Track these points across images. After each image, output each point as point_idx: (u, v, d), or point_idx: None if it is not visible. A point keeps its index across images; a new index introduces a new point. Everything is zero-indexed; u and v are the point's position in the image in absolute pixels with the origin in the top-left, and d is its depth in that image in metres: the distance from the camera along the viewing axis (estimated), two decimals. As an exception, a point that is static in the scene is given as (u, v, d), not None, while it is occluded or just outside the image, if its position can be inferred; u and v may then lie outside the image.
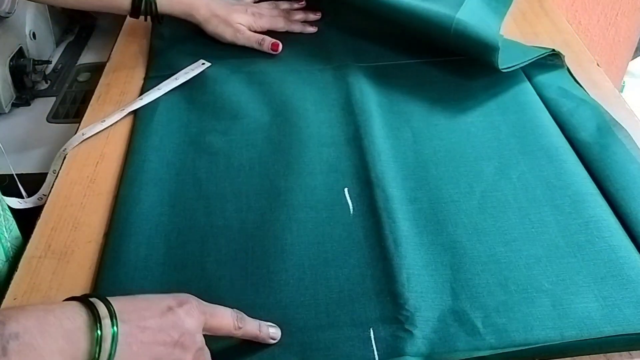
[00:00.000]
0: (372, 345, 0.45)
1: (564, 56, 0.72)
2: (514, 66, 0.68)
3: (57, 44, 0.88)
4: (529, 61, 0.70)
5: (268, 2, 0.84)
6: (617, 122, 0.63)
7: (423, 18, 0.72)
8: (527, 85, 0.70)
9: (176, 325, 0.40)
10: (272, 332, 0.46)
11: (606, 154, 0.60)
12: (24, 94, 0.77)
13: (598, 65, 0.74)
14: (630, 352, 0.45)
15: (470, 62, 0.72)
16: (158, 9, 0.75)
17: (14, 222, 0.55)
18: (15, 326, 0.34)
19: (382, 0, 0.74)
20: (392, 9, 0.74)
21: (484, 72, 0.70)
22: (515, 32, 0.80)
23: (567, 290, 0.48)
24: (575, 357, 0.45)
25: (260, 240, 0.54)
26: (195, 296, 0.43)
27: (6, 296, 0.51)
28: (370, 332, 0.46)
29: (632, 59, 1.58)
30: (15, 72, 0.75)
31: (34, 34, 0.79)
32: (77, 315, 0.36)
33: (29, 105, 0.77)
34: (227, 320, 0.43)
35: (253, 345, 0.46)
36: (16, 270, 0.53)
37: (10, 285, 0.52)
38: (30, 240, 0.56)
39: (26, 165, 0.67)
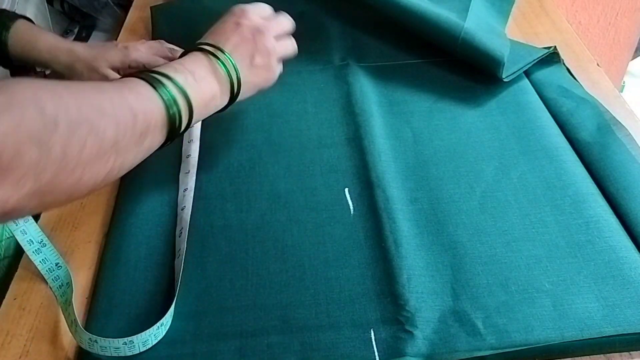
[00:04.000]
0: (372, 346, 0.45)
1: (558, 54, 0.72)
2: (515, 72, 0.69)
3: (57, 44, 0.88)
4: (530, 64, 0.70)
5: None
6: (617, 120, 0.63)
7: (431, 23, 0.72)
8: (527, 84, 0.70)
9: (244, 24, 0.54)
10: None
11: (606, 153, 0.59)
12: (24, 94, 0.77)
13: (598, 65, 0.74)
14: (631, 352, 0.45)
15: (471, 63, 0.72)
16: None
17: None
18: (186, 68, 0.48)
19: (390, 2, 0.74)
20: (400, 11, 0.74)
21: (485, 73, 0.70)
22: (515, 32, 0.80)
23: (568, 290, 0.48)
24: (575, 358, 0.45)
25: (261, 241, 0.54)
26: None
27: (6, 296, 0.51)
28: (370, 333, 0.46)
29: (632, 59, 1.58)
30: (15, 72, 0.75)
31: (34, 34, 0.79)
32: (204, 55, 0.51)
33: (29, 105, 0.77)
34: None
35: (253, 345, 0.46)
36: (16, 270, 0.53)
37: (10, 285, 0.52)
38: (30, 241, 0.56)
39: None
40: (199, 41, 0.53)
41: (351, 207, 0.56)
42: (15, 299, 0.51)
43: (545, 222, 0.53)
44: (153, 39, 0.81)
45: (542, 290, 0.48)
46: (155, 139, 0.45)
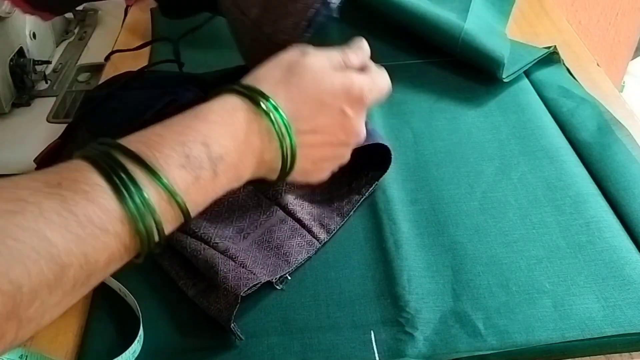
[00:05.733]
0: (373, 347, 0.45)
1: (558, 54, 0.72)
2: (515, 72, 0.69)
3: (57, 44, 0.88)
4: (530, 64, 0.70)
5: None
6: (617, 120, 0.63)
7: (431, 24, 0.72)
8: (528, 85, 0.70)
9: (345, 127, 0.41)
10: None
11: (607, 154, 0.59)
12: (24, 94, 0.77)
13: (598, 65, 0.74)
14: (631, 353, 0.45)
15: (471, 63, 0.72)
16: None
17: None
18: (218, 148, 0.35)
19: (390, 3, 0.74)
20: (400, 12, 0.74)
21: (485, 73, 0.70)
22: (515, 32, 0.80)
23: (569, 291, 0.48)
24: (576, 358, 0.45)
25: (261, 241, 0.53)
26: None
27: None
28: (371, 334, 0.46)
29: (632, 59, 1.58)
30: (15, 72, 0.75)
31: (34, 34, 0.79)
32: (264, 130, 0.37)
33: (29, 105, 0.77)
34: (383, 93, 0.45)
35: (254, 345, 0.46)
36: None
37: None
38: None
39: (26, 165, 0.67)
40: (253, 83, 0.39)
41: (351, 208, 0.56)
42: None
43: (545, 223, 0.53)
44: (153, 40, 0.81)
45: (542, 291, 0.48)
46: (109, 271, 0.31)
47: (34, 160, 0.63)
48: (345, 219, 0.55)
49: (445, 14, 0.72)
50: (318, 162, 0.41)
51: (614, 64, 1.51)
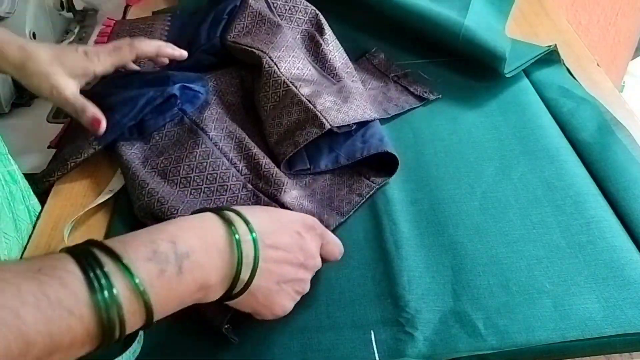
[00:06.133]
0: (373, 347, 0.45)
1: (558, 52, 0.72)
2: (517, 69, 0.68)
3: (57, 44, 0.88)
4: (531, 61, 0.70)
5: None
6: (618, 121, 0.63)
7: (432, 23, 0.72)
8: (528, 85, 0.70)
9: (302, 248, 0.44)
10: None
11: (607, 154, 0.59)
12: (24, 94, 0.77)
13: (598, 65, 0.74)
14: (631, 353, 0.45)
15: (472, 63, 0.72)
16: None
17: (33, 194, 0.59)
18: (184, 246, 0.37)
19: (391, 3, 0.74)
20: (400, 11, 0.74)
21: (485, 73, 0.70)
22: (516, 32, 0.80)
23: (569, 291, 0.48)
24: (576, 359, 0.45)
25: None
26: None
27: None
28: (371, 334, 0.46)
29: (632, 59, 1.58)
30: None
31: (34, 34, 0.79)
32: (226, 234, 0.40)
33: (29, 105, 0.77)
34: (335, 252, 0.48)
35: (253, 345, 0.46)
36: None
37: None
38: (30, 240, 0.56)
39: (26, 165, 0.67)
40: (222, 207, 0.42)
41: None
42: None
43: (546, 223, 0.53)
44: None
45: (543, 291, 0.48)
46: (71, 354, 0.33)
47: (48, 146, 0.68)
48: (345, 218, 0.55)
49: (445, 12, 0.72)
50: (280, 283, 0.43)
51: (614, 64, 1.51)
